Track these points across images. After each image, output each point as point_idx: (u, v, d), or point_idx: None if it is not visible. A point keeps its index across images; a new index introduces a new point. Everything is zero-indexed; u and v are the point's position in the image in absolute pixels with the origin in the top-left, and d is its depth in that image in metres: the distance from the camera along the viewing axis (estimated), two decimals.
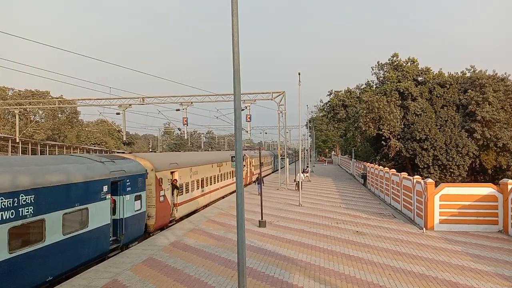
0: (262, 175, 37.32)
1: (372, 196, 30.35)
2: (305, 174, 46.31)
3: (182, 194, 21.15)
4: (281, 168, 39.76)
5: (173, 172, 20.30)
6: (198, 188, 23.96)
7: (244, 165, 34.72)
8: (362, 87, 47.20)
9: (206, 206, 25.24)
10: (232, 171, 31.59)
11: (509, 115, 37.70)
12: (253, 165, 41.67)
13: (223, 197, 29.82)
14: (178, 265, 12.47)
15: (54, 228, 10.86)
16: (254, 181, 35.68)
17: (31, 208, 10.00)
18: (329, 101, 48.29)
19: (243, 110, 32.47)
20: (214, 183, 27.66)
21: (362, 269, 11.81)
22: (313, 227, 18.06)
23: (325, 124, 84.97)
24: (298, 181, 31.20)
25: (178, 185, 20.41)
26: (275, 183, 37.90)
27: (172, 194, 20.05)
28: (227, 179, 31.55)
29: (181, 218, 21.15)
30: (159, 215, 18.01)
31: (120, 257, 13.68)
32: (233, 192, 29.52)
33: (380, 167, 32.64)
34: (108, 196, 13.66)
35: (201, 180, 24.70)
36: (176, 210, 20.46)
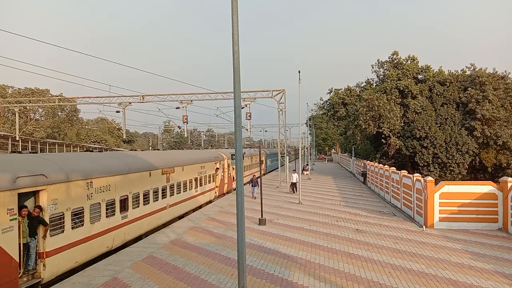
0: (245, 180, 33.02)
1: (372, 194, 30.36)
2: (305, 172, 46.36)
3: (64, 231, 11.78)
4: (281, 167, 39.67)
5: (37, 193, 11.09)
6: (110, 215, 14.21)
7: (218, 168, 28.66)
8: (362, 85, 47.17)
9: (138, 238, 16.41)
10: (201, 177, 24.65)
11: (509, 113, 37.68)
12: (233, 168, 32.17)
13: (181, 217, 20.97)
14: (178, 263, 12.48)
15: None
16: (248, 183, 29.75)
17: None
18: (329, 99, 48.25)
19: (243, 108, 32.33)
20: (158, 200, 18.19)
21: (362, 267, 11.83)
22: (313, 225, 18.07)
23: (325, 122, 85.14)
24: (293, 182, 30.03)
25: (44, 218, 10.99)
26: (275, 181, 37.89)
27: (31, 234, 10.70)
28: (190, 189, 22.71)
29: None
30: None
31: (120, 255, 13.70)
32: (198, 208, 24.07)
33: (380, 165, 32.65)
34: None
35: (123, 200, 15.04)
36: (44, 266, 11.00)
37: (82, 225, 12.55)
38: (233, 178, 32.94)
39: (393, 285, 10.32)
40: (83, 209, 12.56)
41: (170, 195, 19.58)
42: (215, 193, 28.14)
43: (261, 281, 10.68)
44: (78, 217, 12.37)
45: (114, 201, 14.43)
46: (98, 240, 13.41)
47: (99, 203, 13.46)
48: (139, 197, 16.43)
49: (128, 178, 15.58)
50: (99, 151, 19.78)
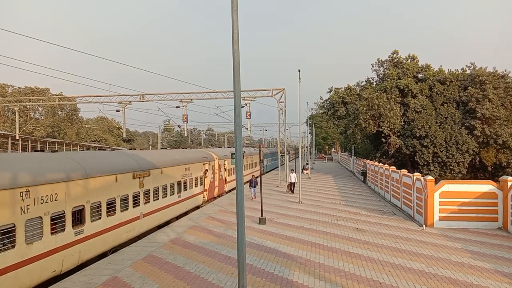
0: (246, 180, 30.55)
1: (372, 193, 30.37)
2: (305, 171, 46.35)
3: None
4: (281, 166, 39.67)
5: None
6: (58, 231, 11.61)
7: (207, 170, 25.81)
8: (362, 84, 47.11)
9: (103, 255, 13.83)
10: (185, 180, 21.57)
11: (509, 112, 37.64)
12: (225, 169, 30.72)
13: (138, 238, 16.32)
14: (178, 262, 12.49)
15: None
16: (248, 182, 28.23)
17: None
18: (329, 98, 48.20)
19: (243, 107, 32.25)
20: (128, 209, 15.36)
21: (362, 266, 11.83)
22: (313, 224, 18.08)
23: (325, 121, 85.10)
24: (291, 182, 29.28)
25: None
26: (275, 181, 37.90)
27: None
28: (172, 194, 19.69)
29: None
30: None
31: (120, 254, 13.71)
32: (184, 214, 21.23)
33: (380, 164, 32.65)
34: None
35: (77, 212, 12.44)
36: None
37: (14, 247, 9.91)
38: (225, 180, 30.64)
39: (393, 284, 10.32)
40: (14, 227, 9.92)
41: (145, 203, 16.61)
42: (204, 197, 25.28)
43: (261, 280, 10.69)
44: (7, 237, 9.77)
45: (64, 213, 11.71)
46: (39, 264, 10.72)
47: (41, 217, 10.78)
48: (101, 206, 13.59)
49: (86, 184, 12.85)
50: (52, 152, 15.85)
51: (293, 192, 28.82)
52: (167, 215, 19.23)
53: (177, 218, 20.45)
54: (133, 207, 15.79)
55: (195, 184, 23.41)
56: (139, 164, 16.67)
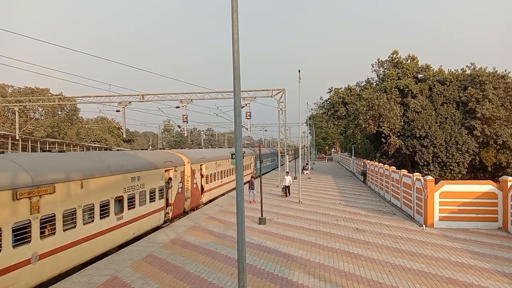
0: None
1: (372, 194, 30.38)
2: (305, 172, 46.36)
3: None
4: (281, 166, 39.67)
5: None
6: None
7: (170, 179, 20.04)
8: (362, 85, 47.13)
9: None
10: (131, 195, 15.63)
11: (509, 112, 37.63)
12: (202, 175, 25.26)
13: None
14: (178, 262, 12.49)
15: None
16: (246, 183, 25.43)
17: None
18: (329, 99, 48.23)
19: (243, 107, 32.20)
20: (5, 250, 9.85)
21: (362, 266, 11.84)
22: (313, 224, 18.08)
23: (325, 122, 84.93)
24: (286, 186, 27.28)
25: None
26: (275, 181, 37.90)
27: None
28: (104, 217, 13.87)
29: None
30: None
31: (120, 254, 13.71)
32: (132, 241, 15.76)
33: (380, 164, 32.65)
34: None
35: None
36: None
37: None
38: (203, 188, 25.18)
39: (393, 284, 10.32)
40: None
41: (43, 237, 10.95)
42: (168, 214, 19.61)
43: (261, 280, 10.69)
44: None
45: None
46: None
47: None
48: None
49: None
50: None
51: (289, 195, 27.25)
52: (94, 249, 13.31)
53: (120, 247, 14.89)
54: (15, 247, 10.00)
55: (151, 199, 17.38)
56: (30, 176, 10.72)
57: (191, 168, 22.92)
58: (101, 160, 15.02)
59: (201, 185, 25.13)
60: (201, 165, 25.01)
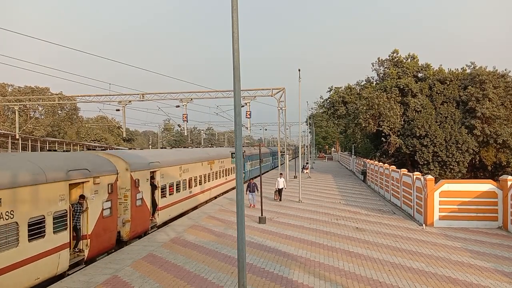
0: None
1: (372, 193, 30.39)
2: (305, 171, 46.36)
3: None
4: (281, 165, 39.65)
5: None
6: None
7: (84, 197, 12.74)
8: (362, 84, 47.13)
9: None
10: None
11: (509, 111, 37.65)
12: (157, 186, 18.12)
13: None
14: (178, 261, 12.49)
15: None
16: (251, 190, 22.71)
17: None
18: (329, 98, 48.22)
19: (243, 106, 32.17)
20: None
21: (362, 265, 11.84)
22: (313, 223, 18.09)
23: (325, 121, 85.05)
24: (279, 189, 24.97)
25: None
26: (275, 180, 37.83)
27: None
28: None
29: None
30: None
31: (120, 253, 13.71)
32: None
33: (380, 163, 32.66)
34: None
35: None
36: None
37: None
38: (156, 205, 18.10)
39: (392, 283, 10.33)
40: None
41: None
42: (82, 251, 12.79)
43: (261, 279, 10.69)
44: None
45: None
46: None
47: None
48: None
49: None
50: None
51: (280, 200, 24.99)
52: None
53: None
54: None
55: (39, 234, 10.53)
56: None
57: (131, 177, 15.63)
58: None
59: (153, 201, 17.82)
60: (152, 172, 17.77)
